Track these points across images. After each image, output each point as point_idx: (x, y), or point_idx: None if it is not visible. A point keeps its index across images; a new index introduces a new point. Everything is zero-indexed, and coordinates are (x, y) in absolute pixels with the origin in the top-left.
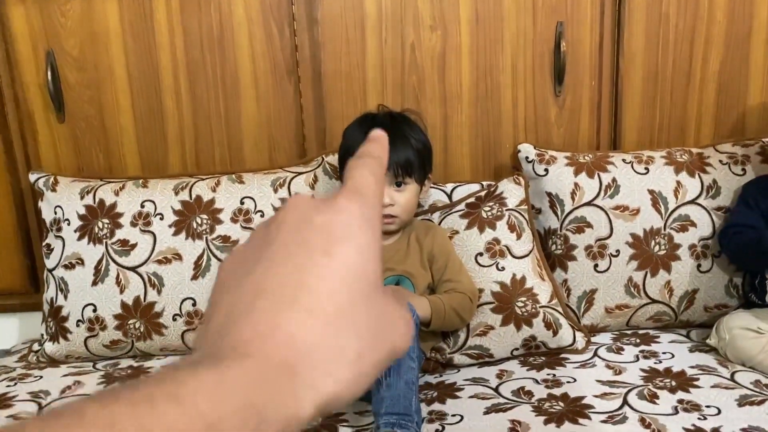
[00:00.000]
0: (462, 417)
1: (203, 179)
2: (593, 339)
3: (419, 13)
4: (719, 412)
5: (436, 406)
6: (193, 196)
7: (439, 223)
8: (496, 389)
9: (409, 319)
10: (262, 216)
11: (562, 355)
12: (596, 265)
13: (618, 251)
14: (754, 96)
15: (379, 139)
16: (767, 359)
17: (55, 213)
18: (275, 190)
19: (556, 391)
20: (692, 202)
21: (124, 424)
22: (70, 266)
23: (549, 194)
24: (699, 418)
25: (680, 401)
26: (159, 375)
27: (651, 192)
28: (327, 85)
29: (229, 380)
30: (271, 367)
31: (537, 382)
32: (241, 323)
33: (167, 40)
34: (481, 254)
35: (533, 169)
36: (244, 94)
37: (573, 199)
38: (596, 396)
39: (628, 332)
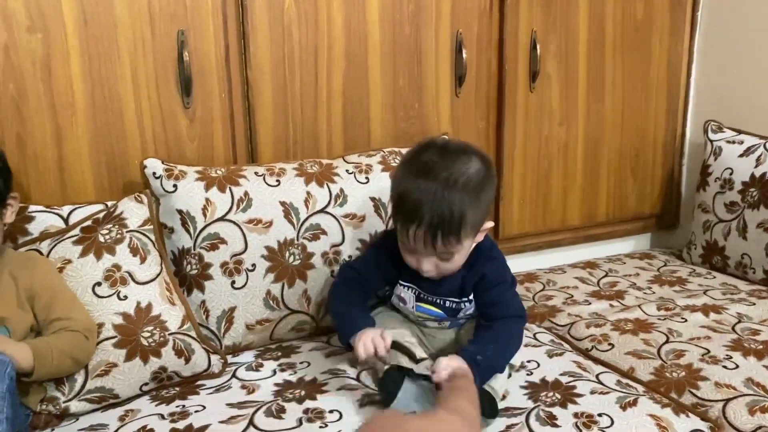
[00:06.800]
0: None
1: None
2: (236, 359)
3: (12, 12)
4: (341, 416)
5: None
6: None
7: (48, 253)
8: None
9: None
10: None
11: (199, 382)
12: (233, 282)
13: (254, 265)
14: (375, 109)
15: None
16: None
17: None
18: None
19: (181, 424)
20: (322, 211)
21: None
22: None
23: (180, 211)
24: (321, 427)
25: (306, 411)
26: None
27: (283, 203)
28: None
29: None
30: None
31: (163, 417)
32: None
33: None
34: (99, 284)
35: (161, 185)
36: None
37: (205, 215)
38: (222, 422)
39: (273, 346)
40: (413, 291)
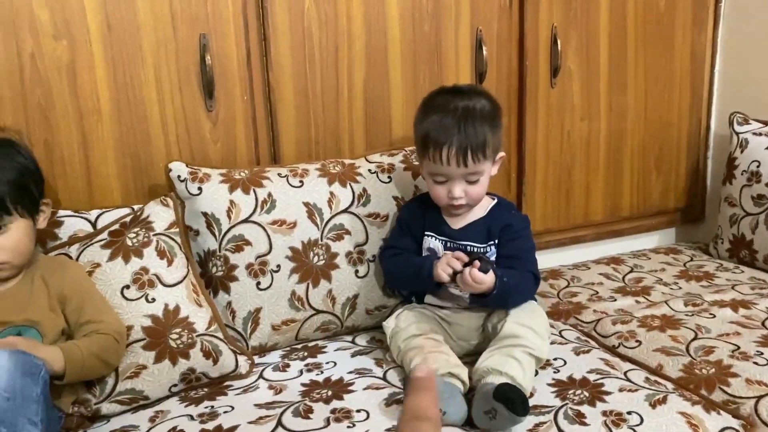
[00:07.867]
0: None
1: None
2: (263, 359)
3: (37, 20)
4: (368, 416)
5: None
6: None
7: (77, 257)
8: None
9: None
10: None
11: (227, 383)
12: (258, 283)
13: (279, 266)
14: (396, 108)
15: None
16: (409, 353)
17: None
18: None
19: (210, 425)
20: (345, 211)
21: None
22: None
23: (205, 214)
24: (348, 426)
25: (333, 411)
26: None
27: (306, 204)
28: None
29: None
30: None
31: (192, 418)
32: None
33: None
34: (127, 287)
35: (186, 188)
36: None
37: (229, 217)
38: (251, 422)
39: (299, 346)
40: (441, 241)
